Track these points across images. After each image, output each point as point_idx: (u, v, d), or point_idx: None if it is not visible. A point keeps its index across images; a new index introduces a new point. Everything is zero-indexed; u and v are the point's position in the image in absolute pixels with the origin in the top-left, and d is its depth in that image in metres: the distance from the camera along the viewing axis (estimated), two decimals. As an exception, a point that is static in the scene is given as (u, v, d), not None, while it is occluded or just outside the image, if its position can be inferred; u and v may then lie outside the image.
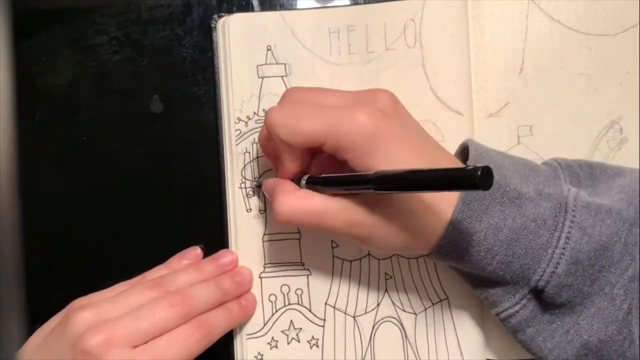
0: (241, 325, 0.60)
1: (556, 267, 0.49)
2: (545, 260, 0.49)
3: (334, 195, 0.50)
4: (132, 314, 0.51)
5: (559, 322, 0.51)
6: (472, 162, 0.51)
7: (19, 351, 0.54)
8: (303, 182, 0.52)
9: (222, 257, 0.59)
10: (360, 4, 0.60)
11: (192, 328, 0.52)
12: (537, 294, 0.51)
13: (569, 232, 0.49)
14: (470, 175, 0.38)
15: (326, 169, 0.52)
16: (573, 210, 0.49)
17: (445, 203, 0.49)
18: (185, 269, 0.57)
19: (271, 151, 0.55)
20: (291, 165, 0.52)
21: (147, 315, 0.51)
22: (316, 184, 0.51)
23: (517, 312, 0.51)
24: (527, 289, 0.51)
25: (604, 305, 0.50)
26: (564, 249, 0.49)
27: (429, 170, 0.42)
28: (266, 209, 0.60)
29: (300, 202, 0.50)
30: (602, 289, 0.49)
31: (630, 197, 0.51)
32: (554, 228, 0.49)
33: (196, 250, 0.60)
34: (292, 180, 0.53)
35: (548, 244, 0.49)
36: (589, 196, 0.51)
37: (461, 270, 0.54)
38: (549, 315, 0.51)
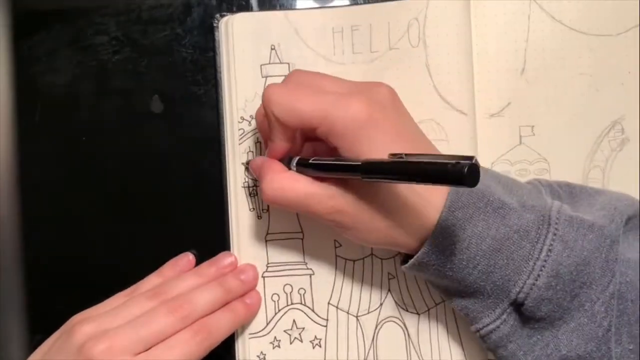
0: (243, 325, 0.59)
1: (536, 280, 0.48)
2: (526, 272, 0.48)
3: (322, 180, 0.49)
4: (131, 322, 0.51)
5: (538, 336, 0.50)
6: (452, 190, 0.50)
7: None
8: (293, 164, 0.51)
9: (222, 260, 0.58)
10: (361, 3, 0.59)
11: (192, 332, 0.52)
12: (517, 307, 0.50)
13: (551, 245, 0.48)
14: (457, 171, 0.37)
15: (318, 155, 0.51)
16: (556, 223, 0.48)
17: (430, 208, 0.48)
18: (185, 275, 0.57)
19: (265, 128, 0.53)
20: (281, 144, 0.51)
21: (147, 322, 0.51)
22: (306, 166, 0.50)
23: (498, 327, 0.50)
24: (507, 303, 0.49)
25: (584, 321, 0.48)
26: (545, 261, 0.48)
27: (417, 162, 0.41)
28: (269, 208, 0.59)
29: (288, 183, 0.50)
30: (582, 305, 0.48)
31: (612, 215, 0.50)
32: (536, 240, 0.48)
33: (188, 257, 0.59)
34: (281, 161, 0.52)
35: (530, 256, 0.48)
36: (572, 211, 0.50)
37: (439, 285, 0.53)
38: (529, 329, 0.50)
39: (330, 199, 0.49)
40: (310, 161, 0.50)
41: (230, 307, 0.56)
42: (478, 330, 0.51)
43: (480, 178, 0.47)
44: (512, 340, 0.50)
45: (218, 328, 0.53)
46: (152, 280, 0.57)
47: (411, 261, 0.50)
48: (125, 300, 0.54)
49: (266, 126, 0.52)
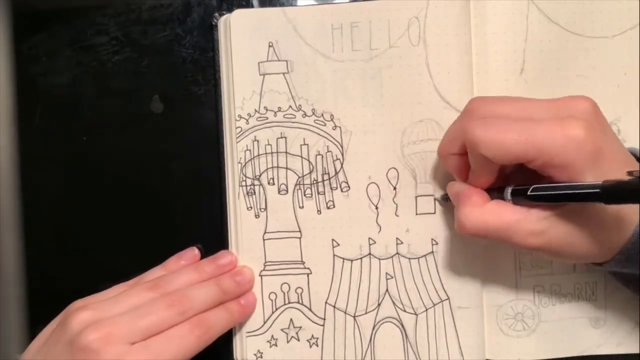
0: (241, 323, 0.58)
1: None
2: None
3: (529, 209, 0.47)
4: (130, 312, 0.50)
5: None
6: None
7: (20, 356, 0.52)
8: (507, 194, 0.48)
9: (222, 258, 0.57)
10: (361, 0, 0.58)
11: (190, 326, 0.51)
12: None
13: None
14: None
15: (514, 178, 0.50)
16: None
17: (632, 210, 0.46)
18: (184, 270, 0.56)
19: (457, 165, 0.51)
20: (486, 179, 0.49)
21: (145, 313, 0.50)
22: (523, 196, 0.47)
23: None
24: None
25: None
26: None
27: None
28: (267, 207, 0.58)
29: (489, 217, 0.48)
30: None
31: None
32: None
33: (194, 251, 0.58)
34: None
35: None
36: None
37: (631, 281, 0.51)
38: None
39: (537, 229, 0.46)
40: (530, 192, 0.46)
41: (225, 306, 0.55)
42: None
43: None
44: None
45: (215, 325, 0.53)
46: (155, 273, 0.56)
47: (606, 263, 0.49)
48: (125, 289, 0.54)
49: (457, 164, 0.51)
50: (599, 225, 0.46)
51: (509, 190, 0.48)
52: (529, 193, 0.46)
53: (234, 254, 0.57)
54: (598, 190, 0.41)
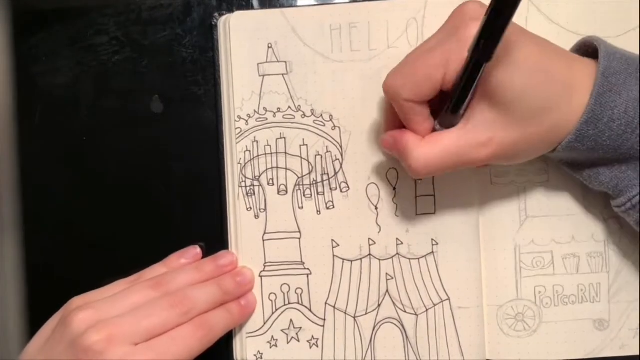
0: (241, 324, 0.58)
1: None
2: None
3: (466, 124, 0.48)
4: (132, 312, 0.50)
5: None
6: (602, 57, 0.48)
7: (20, 356, 0.51)
8: (435, 124, 0.49)
9: (222, 258, 0.57)
10: (360, 1, 0.58)
11: (193, 327, 0.51)
12: None
13: None
14: None
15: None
16: None
17: (579, 87, 0.47)
18: (185, 269, 0.56)
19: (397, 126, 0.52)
20: (425, 126, 0.49)
21: (148, 314, 0.50)
22: (444, 117, 0.48)
23: None
24: None
25: None
26: None
27: None
28: (266, 207, 0.58)
29: (433, 147, 0.48)
30: None
31: None
32: None
33: (195, 250, 0.58)
34: None
35: None
36: None
37: (587, 160, 0.51)
38: None
39: (482, 138, 0.47)
40: (445, 109, 0.48)
41: (226, 307, 0.55)
42: (628, 201, 0.50)
43: (621, 50, 0.49)
44: None
45: (217, 326, 0.53)
46: (156, 270, 0.56)
47: (569, 137, 0.48)
48: (127, 287, 0.53)
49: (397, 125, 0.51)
50: (539, 109, 0.47)
51: (435, 123, 0.50)
52: (436, 125, 0.49)
53: (235, 254, 0.57)
54: (476, 56, 0.43)
